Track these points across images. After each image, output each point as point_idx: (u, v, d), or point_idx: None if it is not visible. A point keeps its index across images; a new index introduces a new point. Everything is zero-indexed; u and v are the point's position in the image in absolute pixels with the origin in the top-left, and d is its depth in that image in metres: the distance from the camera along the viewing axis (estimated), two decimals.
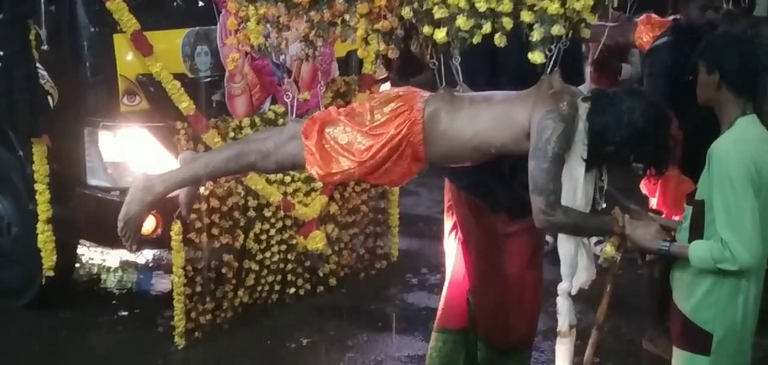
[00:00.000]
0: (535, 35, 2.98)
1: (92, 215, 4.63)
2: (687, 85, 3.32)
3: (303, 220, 5.00)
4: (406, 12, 3.12)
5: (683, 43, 4.20)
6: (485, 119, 3.15)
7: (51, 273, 4.81)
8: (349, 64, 5.36)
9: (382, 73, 3.76)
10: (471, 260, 3.73)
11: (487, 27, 3.03)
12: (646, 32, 5.33)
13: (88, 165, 4.58)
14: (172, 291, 4.71)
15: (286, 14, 3.29)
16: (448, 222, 3.90)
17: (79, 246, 5.29)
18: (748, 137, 2.79)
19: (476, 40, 3.08)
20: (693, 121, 3.69)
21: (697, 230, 2.85)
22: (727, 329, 2.85)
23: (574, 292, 3.25)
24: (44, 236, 4.76)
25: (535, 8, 2.97)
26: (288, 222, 5.03)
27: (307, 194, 5.04)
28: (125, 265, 5.84)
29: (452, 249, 3.88)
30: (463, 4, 3.02)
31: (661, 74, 4.28)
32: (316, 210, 5.05)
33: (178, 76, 4.54)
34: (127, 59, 4.48)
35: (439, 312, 3.93)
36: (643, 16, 5.49)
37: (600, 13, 3.15)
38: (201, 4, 4.80)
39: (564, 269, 3.23)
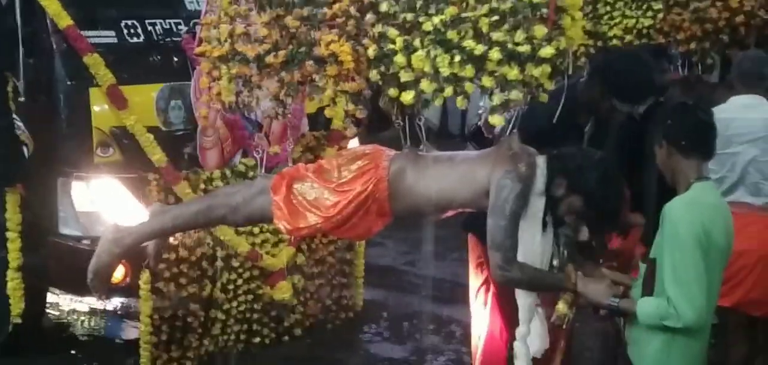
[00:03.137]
0: (495, 100, 3.15)
1: (63, 263, 4.70)
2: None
3: (270, 270, 5.10)
4: (374, 75, 3.28)
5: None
6: (449, 177, 3.31)
7: (18, 320, 4.86)
8: (319, 119, 5.51)
9: (352, 131, 3.89)
10: (511, 310, 3.69)
11: (448, 90, 3.19)
12: None
13: (61, 214, 4.66)
14: (138, 338, 4.77)
15: (258, 74, 3.43)
16: (476, 280, 4.03)
17: (48, 294, 5.33)
18: (700, 201, 2.90)
19: (438, 102, 3.25)
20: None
21: (648, 288, 2.97)
22: None
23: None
24: (13, 284, 4.81)
25: (495, 74, 3.14)
26: (255, 272, 5.12)
27: (274, 245, 5.14)
28: (93, 312, 5.88)
29: (481, 307, 4.00)
30: (427, 68, 3.18)
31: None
32: (284, 261, 5.14)
33: (151, 129, 4.65)
34: (101, 112, 4.59)
35: None
36: None
37: None
38: (176, 60, 4.92)
39: (522, 315, 3.36)
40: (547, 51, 3.05)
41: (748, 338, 4.33)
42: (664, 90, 4.61)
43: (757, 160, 4.22)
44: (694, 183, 2.93)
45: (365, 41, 3.27)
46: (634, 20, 5.61)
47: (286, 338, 5.45)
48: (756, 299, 4.20)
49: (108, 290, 3.67)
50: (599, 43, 5.64)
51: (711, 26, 5.24)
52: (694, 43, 5.30)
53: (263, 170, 4.05)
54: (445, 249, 7.32)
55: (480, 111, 8.54)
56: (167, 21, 4.97)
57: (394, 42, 3.22)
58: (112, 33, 4.75)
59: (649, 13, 5.58)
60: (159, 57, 5.02)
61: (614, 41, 5.66)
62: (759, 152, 4.20)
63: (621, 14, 5.67)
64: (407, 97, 3.22)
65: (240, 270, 5.06)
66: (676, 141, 2.95)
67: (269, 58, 3.35)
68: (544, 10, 3.09)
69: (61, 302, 5.68)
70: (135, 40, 4.85)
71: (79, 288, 4.71)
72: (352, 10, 3.30)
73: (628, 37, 5.61)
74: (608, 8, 5.71)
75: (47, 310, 5.48)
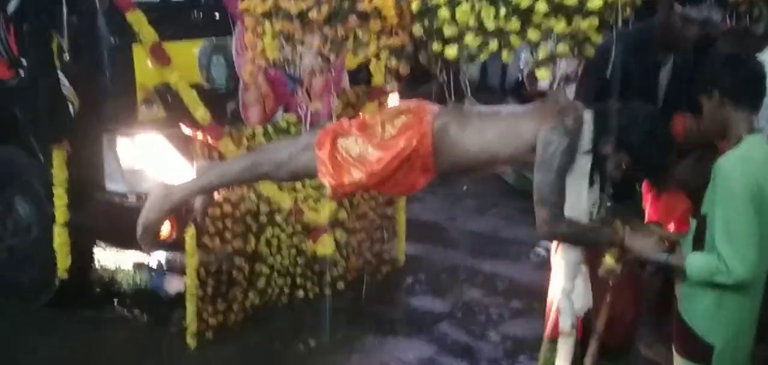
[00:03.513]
0: (541, 53, 3.11)
1: (109, 218, 4.77)
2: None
3: (313, 225, 5.13)
4: (417, 29, 3.25)
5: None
6: (493, 133, 3.28)
7: (65, 276, 4.95)
8: (360, 75, 5.50)
9: (393, 86, 3.87)
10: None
11: (494, 45, 3.15)
12: None
13: (106, 171, 4.71)
14: (184, 293, 4.85)
15: (301, 30, 3.42)
16: None
17: (95, 249, 5.42)
18: (754, 156, 2.86)
19: (484, 57, 3.21)
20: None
21: (699, 243, 2.95)
22: (728, 341, 2.95)
23: (572, 323, 3.34)
24: (60, 239, 4.90)
25: (542, 27, 3.09)
26: (298, 227, 5.16)
27: (317, 200, 5.16)
28: (139, 267, 5.97)
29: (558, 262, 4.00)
30: (471, 22, 3.14)
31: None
32: (326, 216, 5.17)
33: (194, 86, 4.68)
34: (145, 69, 4.62)
35: (550, 324, 4.02)
36: None
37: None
38: (217, 16, 4.93)
39: (567, 272, 3.35)
40: (595, 3, 3.00)
41: None
42: (715, 38, 4.51)
43: None
44: (746, 137, 2.87)
45: None
46: None
47: (329, 292, 5.50)
48: None
49: (156, 245, 3.70)
50: None
51: None
52: None
53: (307, 126, 4.05)
54: (486, 204, 7.33)
55: (521, 65, 8.50)
56: None
57: None
58: None
59: None
60: (201, 14, 5.03)
61: None
62: None
63: None
64: (451, 51, 3.18)
65: (283, 225, 5.10)
66: (730, 92, 2.89)
67: (312, 14, 3.34)
68: None
69: (107, 257, 5.77)
70: None
71: (125, 242, 4.82)
72: None
73: None
74: None
75: (94, 265, 5.57)
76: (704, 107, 2.99)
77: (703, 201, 2.98)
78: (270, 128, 4.99)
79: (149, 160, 4.71)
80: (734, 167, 2.82)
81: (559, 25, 3.04)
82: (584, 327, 3.49)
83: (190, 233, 4.59)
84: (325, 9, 3.32)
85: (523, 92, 7.75)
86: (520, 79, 8.42)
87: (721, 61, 3.04)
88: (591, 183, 3.24)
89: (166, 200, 3.64)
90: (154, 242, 3.67)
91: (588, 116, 3.21)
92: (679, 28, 3.65)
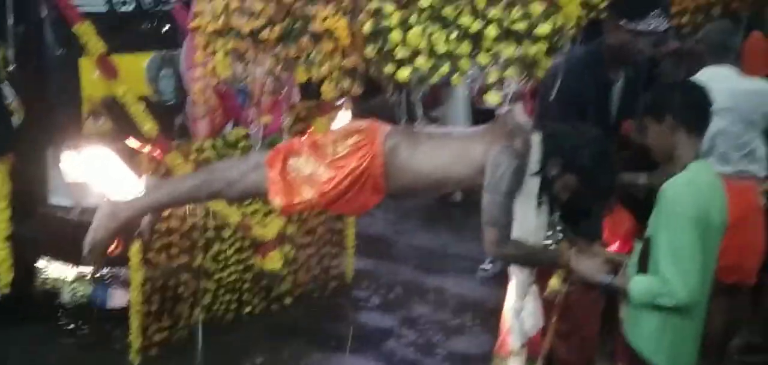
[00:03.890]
0: (491, 77, 3.15)
1: (53, 232, 4.70)
2: None
3: (261, 241, 5.10)
4: (369, 51, 3.26)
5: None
6: (444, 154, 3.31)
7: (6, 290, 4.85)
8: (310, 89, 5.48)
9: (347, 104, 3.89)
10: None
11: (445, 67, 3.19)
12: None
13: (51, 184, 4.64)
14: (128, 308, 4.78)
15: (253, 49, 3.41)
16: None
17: (38, 263, 5.32)
18: (699, 182, 2.90)
19: (435, 79, 3.24)
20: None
21: (643, 266, 2.98)
22: (672, 362, 2.99)
23: (521, 342, 3.39)
24: (2, 253, 4.79)
25: (491, 51, 3.13)
26: (246, 243, 5.13)
27: (265, 215, 5.14)
28: (82, 281, 5.87)
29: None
30: (423, 45, 3.17)
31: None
32: (274, 231, 5.15)
33: (141, 99, 4.63)
34: (92, 81, 4.56)
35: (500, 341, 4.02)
36: None
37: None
38: (166, 28, 4.89)
39: (516, 291, 3.39)
40: (543, 29, 3.05)
41: (727, 306, 4.38)
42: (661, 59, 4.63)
43: (726, 130, 4.25)
44: (692, 163, 2.94)
45: (361, 17, 3.25)
46: None
47: (276, 307, 5.48)
48: (729, 265, 4.24)
49: (103, 263, 3.65)
50: (592, 14, 5.61)
51: (703, 0, 5.24)
52: (687, 17, 5.30)
53: (258, 141, 4.04)
54: (433, 219, 7.37)
55: (469, 82, 8.55)
56: None
57: (389, 18, 3.20)
58: (102, 1, 4.71)
59: None
60: (150, 26, 4.99)
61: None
62: (727, 123, 4.23)
63: None
64: (403, 74, 3.21)
65: (230, 240, 5.07)
66: (685, 118, 2.93)
67: (264, 34, 3.33)
68: None
69: (50, 271, 5.66)
70: (125, 8, 4.81)
71: (69, 257, 4.75)
72: None
73: None
74: None
75: (37, 279, 5.46)
76: (651, 129, 3.02)
77: (649, 224, 3.03)
78: (219, 142, 4.95)
79: (95, 173, 4.63)
80: (680, 193, 2.87)
81: (509, 50, 3.09)
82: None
83: (135, 249, 4.53)
84: (277, 29, 3.32)
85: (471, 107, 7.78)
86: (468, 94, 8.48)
87: (678, 88, 3.10)
88: (539, 204, 3.28)
89: (113, 218, 3.58)
90: (101, 260, 3.61)
91: (536, 138, 3.25)
92: (628, 41, 3.75)
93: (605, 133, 3.24)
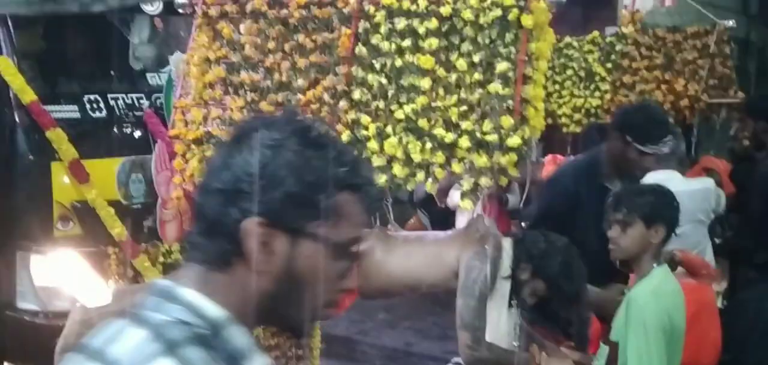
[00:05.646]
0: (465, 185, 3.27)
1: (20, 337, 4.64)
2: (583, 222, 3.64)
3: None
4: None
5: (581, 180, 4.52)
6: (418, 258, 3.40)
7: None
8: None
9: None
10: None
11: (420, 175, 3.31)
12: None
13: (19, 288, 4.61)
14: None
15: None
16: None
17: None
18: (665, 290, 3.00)
19: (411, 186, 3.36)
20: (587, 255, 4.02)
21: None
22: None
23: None
24: None
25: (464, 160, 3.26)
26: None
27: None
28: None
29: None
30: (399, 154, 3.29)
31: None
32: None
33: (112, 203, 4.66)
34: (63, 186, 4.58)
35: None
36: (549, 157, 5.88)
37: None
38: (137, 134, 4.95)
39: None
40: (514, 140, 3.19)
41: None
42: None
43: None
44: (655, 269, 3.02)
45: (339, 127, 3.37)
46: (582, 100, 5.85)
47: None
48: (687, 362, 4.36)
49: None
50: (549, 121, 5.84)
51: None
52: None
53: None
54: (398, 317, 7.39)
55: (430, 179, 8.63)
56: (130, 96, 5.01)
57: (367, 128, 3.33)
58: (75, 108, 4.77)
59: (597, 94, 5.83)
60: (121, 131, 5.04)
61: (563, 119, 5.86)
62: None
63: (569, 93, 5.90)
64: (380, 180, 3.31)
65: None
66: (668, 226, 3.02)
67: None
68: (510, 102, 3.24)
69: None
70: (98, 114, 4.87)
71: (36, 362, 4.66)
72: (326, 96, 3.40)
73: (576, 116, 5.82)
74: (557, 87, 5.93)
75: None
76: (629, 235, 3.02)
77: (614, 327, 3.11)
78: (187, 245, 4.96)
79: (63, 278, 4.62)
80: (648, 302, 2.96)
81: (481, 160, 3.21)
82: None
83: None
84: None
85: (431, 206, 7.92)
86: (429, 192, 8.60)
87: (661, 195, 3.13)
88: (510, 307, 3.37)
89: (84, 325, 3.56)
90: None
91: (507, 243, 3.36)
92: (634, 158, 3.89)
93: (600, 240, 3.32)
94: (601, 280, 3.58)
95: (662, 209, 3.03)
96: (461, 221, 5.14)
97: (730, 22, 5.96)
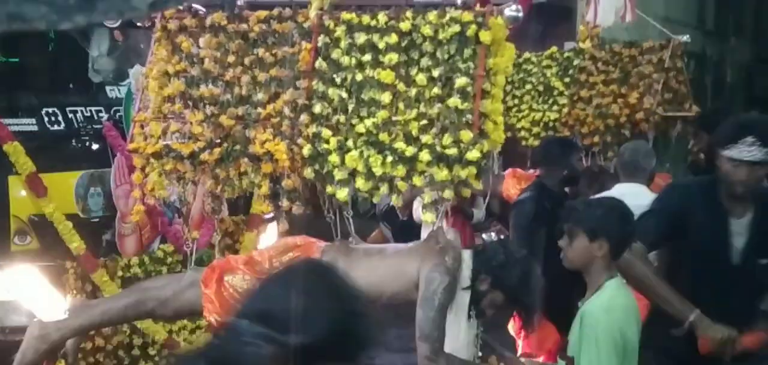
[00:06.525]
0: (427, 198, 3.30)
1: None
2: (548, 237, 3.67)
3: None
4: (308, 172, 3.39)
5: (544, 198, 4.64)
6: (379, 270, 3.41)
7: None
8: (238, 204, 5.56)
9: (283, 224, 3.95)
10: None
11: (384, 188, 3.33)
12: (512, 186, 5.77)
13: None
14: None
15: (192, 170, 3.48)
16: None
17: None
18: (617, 304, 2.96)
19: (377, 199, 3.38)
20: (553, 269, 4.06)
21: None
22: None
23: None
24: None
25: (426, 174, 3.30)
26: (172, 360, 5.08)
27: (192, 331, 5.12)
28: None
29: None
30: (360, 168, 3.31)
31: (524, 227, 4.67)
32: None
33: (70, 217, 4.62)
34: (20, 199, 4.54)
35: None
36: (509, 170, 5.93)
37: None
38: (96, 147, 4.92)
39: None
40: (473, 154, 3.23)
41: None
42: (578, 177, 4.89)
43: None
44: (607, 282, 2.99)
45: (300, 141, 3.38)
46: (540, 114, 5.93)
47: None
48: None
49: None
50: (508, 134, 5.90)
51: (613, 121, 5.58)
52: (597, 137, 5.62)
53: (192, 259, 4.06)
54: None
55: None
56: (88, 108, 4.98)
57: (328, 142, 3.35)
58: (33, 120, 4.73)
59: (555, 108, 5.92)
60: (80, 145, 5.01)
61: (522, 133, 5.93)
62: None
63: (528, 108, 5.98)
64: (342, 194, 3.34)
65: (157, 359, 5.01)
66: (617, 241, 2.99)
67: (204, 155, 3.42)
68: (469, 116, 3.28)
69: None
70: (56, 127, 4.83)
71: None
72: (287, 110, 3.41)
73: (535, 129, 5.90)
74: (516, 101, 6.01)
75: None
76: (575, 248, 3.01)
77: (570, 341, 3.13)
78: (146, 259, 4.95)
79: (21, 293, 4.56)
80: (599, 317, 2.95)
81: (442, 174, 3.25)
82: None
83: None
84: (216, 151, 3.41)
85: (393, 218, 7.94)
86: (390, 204, 8.63)
87: (609, 211, 3.06)
88: (469, 318, 3.40)
89: (43, 339, 3.54)
90: None
91: (467, 255, 3.39)
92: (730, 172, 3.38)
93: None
94: None
95: (607, 225, 2.97)
96: (425, 235, 5.19)
97: (685, 37, 6.07)
